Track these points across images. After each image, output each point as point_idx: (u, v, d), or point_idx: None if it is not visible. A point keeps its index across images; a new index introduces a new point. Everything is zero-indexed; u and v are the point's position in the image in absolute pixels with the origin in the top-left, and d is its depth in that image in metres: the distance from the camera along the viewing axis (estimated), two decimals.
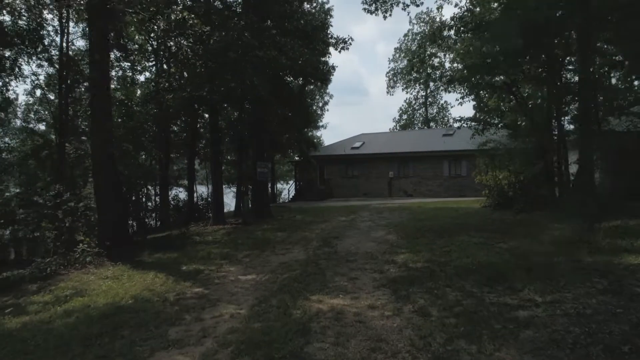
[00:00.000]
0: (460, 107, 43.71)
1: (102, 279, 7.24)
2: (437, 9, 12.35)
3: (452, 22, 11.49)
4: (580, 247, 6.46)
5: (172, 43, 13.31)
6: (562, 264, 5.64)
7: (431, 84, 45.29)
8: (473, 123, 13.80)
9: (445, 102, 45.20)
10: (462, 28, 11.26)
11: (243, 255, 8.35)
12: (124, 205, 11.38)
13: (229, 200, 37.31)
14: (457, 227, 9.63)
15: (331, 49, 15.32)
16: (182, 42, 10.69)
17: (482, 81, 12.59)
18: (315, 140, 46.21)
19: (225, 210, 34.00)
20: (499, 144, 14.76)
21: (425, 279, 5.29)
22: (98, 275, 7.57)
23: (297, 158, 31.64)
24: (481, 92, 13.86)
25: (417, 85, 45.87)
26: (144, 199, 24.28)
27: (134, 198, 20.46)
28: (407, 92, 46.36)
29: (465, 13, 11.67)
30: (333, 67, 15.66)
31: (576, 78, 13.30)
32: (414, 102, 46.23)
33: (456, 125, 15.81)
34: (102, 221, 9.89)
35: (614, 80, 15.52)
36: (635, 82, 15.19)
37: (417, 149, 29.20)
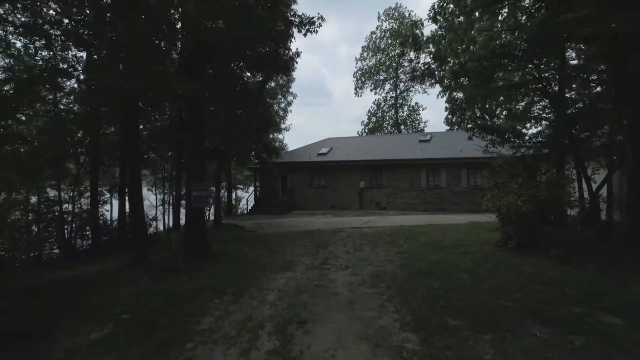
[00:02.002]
0: (427, 110, 41.44)
1: None
2: None
3: None
4: None
5: None
6: None
7: (401, 84, 42.69)
8: (491, 135, 10.59)
9: (416, 103, 42.68)
10: None
11: None
12: None
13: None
14: (491, 298, 6.20)
15: (295, 33, 11.55)
16: None
17: (503, 74, 9.45)
18: (278, 144, 42.23)
19: (168, 223, 29.42)
20: (506, 158, 11.72)
21: None
22: None
23: (256, 162, 27.58)
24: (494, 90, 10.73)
25: (386, 84, 43.11)
26: (70, 217, 19.89)
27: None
28: (375, 93, 43.48)
29: None
30: (297, 54, 11.94)
31: None
32: (383, 103, 43.41)
33: (464, 132, 12.63)
34: None
35: None
36: None
37: (391, 156, 26.13)
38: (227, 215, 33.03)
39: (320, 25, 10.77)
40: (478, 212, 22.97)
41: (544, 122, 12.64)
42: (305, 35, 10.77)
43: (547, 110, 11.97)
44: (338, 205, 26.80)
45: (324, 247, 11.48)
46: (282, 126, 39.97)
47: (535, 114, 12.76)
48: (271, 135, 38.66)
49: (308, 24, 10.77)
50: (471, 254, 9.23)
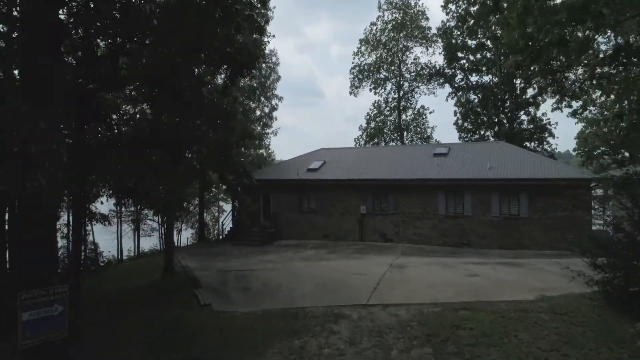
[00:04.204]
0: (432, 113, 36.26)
1: None
2: None
3: None
4: None
5: None
6: None
7: (405, 84, 37.28)
8: None
9: (422, 107, 37.34)
10: None
11: None
12: None
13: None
14: None
15: None
16: None
17: None
18: (263, 150, 36.55)
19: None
20: None
21: None
22: None
23: (222, 187, 21.96)
24: None
25: (387, 84, 37.68)
26: None
27: None
28: (375, 93, 38.05)
29: None
30: (263, 29, 6.58)
31: None
32: (384, 105, 37.95)
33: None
34: None
35: None
36: None
37: (400, 174, 20.71)
38: (199, 241, 27.44)
39: None
40: (515, 249, 17.58)
41: None
42: None
43: None
44: (332, 234, 21.37)
45: None
46: (268, 131, 34.32)
47: None
48: (257, 141, 32.97)
49: None
50: None
